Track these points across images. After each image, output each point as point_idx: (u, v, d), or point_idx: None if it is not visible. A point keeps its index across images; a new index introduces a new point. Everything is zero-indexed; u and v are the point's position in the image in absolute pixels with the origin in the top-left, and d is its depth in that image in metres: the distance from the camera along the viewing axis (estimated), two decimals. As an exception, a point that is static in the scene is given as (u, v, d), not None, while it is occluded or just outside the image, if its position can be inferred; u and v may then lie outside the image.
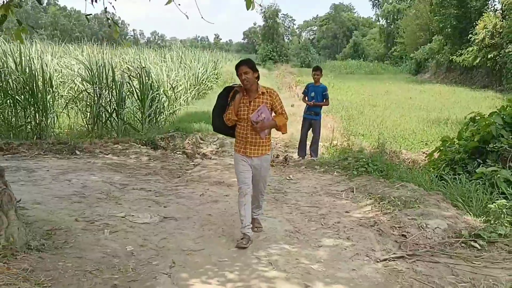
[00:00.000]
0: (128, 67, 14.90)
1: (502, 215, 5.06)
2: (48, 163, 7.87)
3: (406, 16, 60.21)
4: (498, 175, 6.42)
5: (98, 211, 5.48)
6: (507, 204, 5.22)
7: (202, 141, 11.01)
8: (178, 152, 9.67)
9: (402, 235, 4.81)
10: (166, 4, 4.73)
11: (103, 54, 17.65)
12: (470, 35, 34.01)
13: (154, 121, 12.57)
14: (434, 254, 4.42)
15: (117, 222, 5.16)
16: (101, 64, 11.78)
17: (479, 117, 7.94)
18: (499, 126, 7.22)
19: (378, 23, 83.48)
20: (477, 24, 33.06)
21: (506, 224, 4.94)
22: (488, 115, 7.80)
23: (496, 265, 4.27)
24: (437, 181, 6.92)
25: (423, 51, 47.95)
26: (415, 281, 3.93)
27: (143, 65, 13.89)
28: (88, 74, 12.12)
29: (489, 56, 31.76)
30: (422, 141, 12.34)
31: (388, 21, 74.14)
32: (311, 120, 9.33)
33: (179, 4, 4.78)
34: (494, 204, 5.24)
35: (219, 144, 10.71)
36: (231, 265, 4.17)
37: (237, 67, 4.60)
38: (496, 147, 7.05)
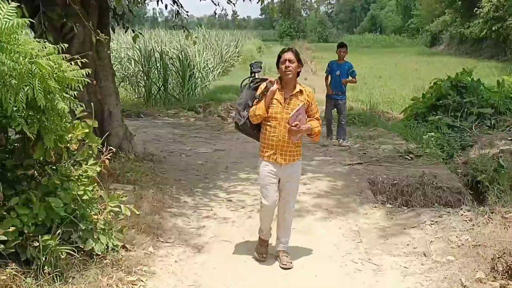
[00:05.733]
0: (168, 51, 17.91)
1: (429, 142, 8.02)
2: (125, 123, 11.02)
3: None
4: (442, 121, 9.34)
5: (172, 147, 8.60)
6: (434, 135, 8.18)
7: (231, 108, 14.03)
8: (214, 116, 12.73)
9: (364, 153, 7.82)
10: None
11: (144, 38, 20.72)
12: (476, 8, 36.01)
13: (192, 93, 15.63)
14: (380, 162, 7.43)
15: (187, 152, 8.29)
16: (151, 49, 14.87)
17: (437, 82, 10.79)
18: (448, 87, 10.08)
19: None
20: (483, -2, 35.10)
21: (431, 147, 7.91)
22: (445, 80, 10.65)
23: (418, 167, 7.25)
24: (403, 127, 9.87)
25: (437, 23, 49.64)
26: (365, 173, 6.94)
27: (181, 49, 16.91)
28: (139, 56, 15.27)
29: (493, 28, 33.87)
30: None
31: (405, -7, 75.06)
32: (338, 100, 8.76)
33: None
34: (426, 135, 8.20)
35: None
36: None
37: (282, 53, 4.03)
38: (445, 103, 9.95)
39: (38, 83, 2.94)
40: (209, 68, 19.71)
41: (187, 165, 7.36)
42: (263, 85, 4.02)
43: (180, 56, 15.34)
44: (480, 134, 8.86)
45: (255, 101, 4.00)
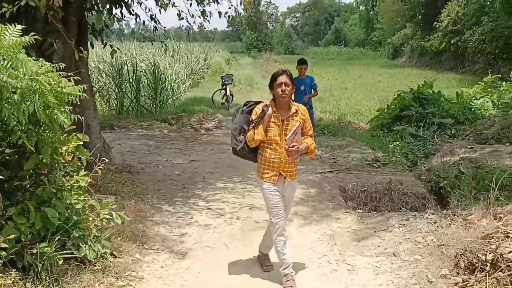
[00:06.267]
0: (138, 63, 18.02)
1: (395, 151, 8.48)
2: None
3: (384, 2, 63.50)
4: (406, 131, 9.85)
5: (149, 159, 8.76)
6: (399, 144, 8.65)
7: (204, 119, 14.26)
8: (187, 127, 12.93)
9: (334, 161, 8.20)
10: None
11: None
12: (435, 22, 37.53)
13: (164, 105, 15.78)
14: (349, 170, 7.81)
15: (163, 163, 8.47)
16: (122, 62, 14.99)
17: (400, 93, 11.34)
18: (410, 99, 10.63)
19: (358, 9, 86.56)
20: (442, 12, 36.64)
21: (396, 155, 8.36)
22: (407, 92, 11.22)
23: (385, 174, 7.66)
24: (369, 137, 10.33)
25: (399, 36, 51.29)
26: (336, 181, 7.30)
27: (153, 61, 17.08)
28: (109, 69, 15.35)
29: (452, 41, 35.37)
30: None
31: (368, 7, 77.13)
32: None
33: None
34: (392, 145, 8.66)
35: (217, 121, 13.97)
36: (236, 176, 7.53)
37: (277, 76, 3.99)
38: (408, 113, 10.48)
39: (38, 99, 3.14)
40: (180, 80, 19.91)
41: (165, 176, 7.56)
42: (258, 109, 4.02)
43: (152, 69, 15.50)
44: (441, 143, 9.40)
45: (252, 125, 3.99)
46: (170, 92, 16.84)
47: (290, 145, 3.91)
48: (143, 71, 16.07)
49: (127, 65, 15.23)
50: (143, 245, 4.80)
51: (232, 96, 17.10)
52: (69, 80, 3.60)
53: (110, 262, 4.12)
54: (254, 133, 3.97)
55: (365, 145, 9.45)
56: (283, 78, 3.97)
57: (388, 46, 56.98)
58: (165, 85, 15.99)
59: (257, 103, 4.14)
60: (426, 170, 8.23)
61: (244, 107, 4.18)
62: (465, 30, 33.73)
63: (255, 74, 30.07)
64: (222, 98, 16.79)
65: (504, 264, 3.61)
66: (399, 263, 4.45)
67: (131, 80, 14.63)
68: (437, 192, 7.36)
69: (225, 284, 4.17)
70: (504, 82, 12.72)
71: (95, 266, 3.95)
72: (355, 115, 15.70)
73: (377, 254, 4.73)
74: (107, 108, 14.94)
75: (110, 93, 15.26)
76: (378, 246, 4.92)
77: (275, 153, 4.00)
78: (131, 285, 3.96)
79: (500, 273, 3.58)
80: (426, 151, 9.14)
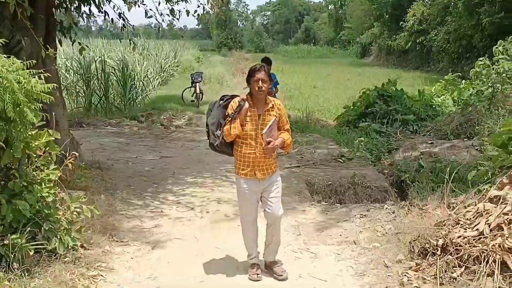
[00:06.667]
0: (107, 60, 17.92)
1: (360, 146, 8.79)
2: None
3: (352, 1, 64.47)
4: (370, 127, 10.20)
5: (118, 155, 8.82)
6: (364, 140, 8.97)
7: (173, 117, 14.32)
8: (157, 125, 12.98)
9: (301, 157, 8.45)
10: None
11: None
12: (401, 22, 38.43)
13: (133, 103, 15.76)
14: (316, 165, 8.08)
15: (133, 159, 8.55)
16: (90, 60, 14.90)
17: (366, 91, 11.70)
18: (375, 96, 10.99)
19: (327, 8, 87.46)
20: (408, 12, 37.56)
21: (361, 150, 8.67)
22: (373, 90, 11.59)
23: (349, 169, 7.95)
24: (336, 133, 10.64)
25: (367, 35, 52.24)
26: (302, 176, 7.55)
27: (121, 59, 17.03)
28: (78, 67, 15.24)
29: (418, 41, 36.33)
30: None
31: (336, 6, 78.09)
32: None
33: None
34: (356, 140, 8.97)
35: (187, 118, 14.05)
36: (205, 172, 7.68)
37: (254, 72, 3.94)
38: (372, 110, 10.84)
39: (8, 96, 3.23)
40: (149, 78, 19.86)
41: (135, 172, 7.65)
42: (234, 103, 3.98)
43: (121, 66, 15.47)
44: (404, 138, 9.77)
45: (228, 119, 3.96)
46: (139, 90, 16.82)
47: (267, 139, 3.87)
48: (112, 68, 15.99)
49: (95, 62, 15.15)
50: (113, 238, 4.91)
51: (202, 94, 17.18)
52: (40, 78, 3.71)
53: (81, 254, 4.23)
54: (230, 127, 3.93)
55: (332, 141, 9.74)
56: (260, 75, 3.91)
57: (357, 45, 57.97)
58: (134, 82, 15.97)
59: (233, 97, 4.12)
60: (389, 165, 8.56)
61: (221, 101, 4.13)
62: (430, 30, 34.67)
63: (225, 72, 30.17)
64: (192, 96, 16.85)
65: (453, 248, 3.90)
66: (358, 251, 4.71)
67: (99, 78, 14.56)
68: (399, 186, 7.69)
69: (194, 272, 4.33)
70: (463, 81, 13.24)
71: (66, 257, 4.05)
72: (323, 112, 16.02)
73: (339, 242, 4.98)
74: (76, 105, 14.83)
75: (78, 90, 15.16)
76: (340, 235, 5.16)
77: (250, 148, 3.97)
78: (102, 275, 4.08)
79: (449, 256, 3.87)
80: (389, 146, 9.48)
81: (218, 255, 4.73)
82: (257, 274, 4.26)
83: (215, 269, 4.40)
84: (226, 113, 4.01)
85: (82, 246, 4.37)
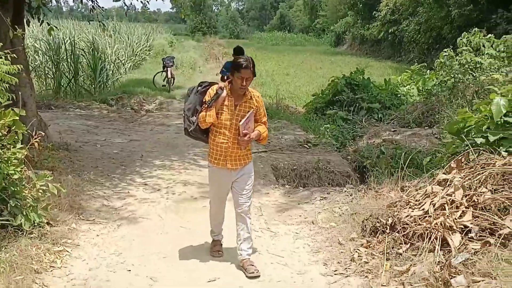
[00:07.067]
0: (77, 42, 17.68)
1: (326, 133, 9.06)
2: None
3: (327, -11, 64.66)
4: (337, 114, 10.48)
5: (87, 138, 8.87)
6: (330, 127, 9.24)
7: (144, 101, 14.33)
8: (127, 108, 12.99)
9: (268, 142, 8.65)
10: None
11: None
12: (374, 11, 38.91)
13: (103, 86, 15.66)
14: (282, 150, 8.31)
15: (102, 142, 8.62)
16: (60, 41, 14.72)
17: (334, 79, 11.98)
18: (343, 85, 11.27)
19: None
20: (381, 1, 38.05)
21: (327, 137, 8.95)
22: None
23: (315, 155, 8.21)
24: (304, 120, 10.90)
25: (341, 24, 52.61)
26: (269, 160, 7.77)
27: (92, 41, 16.84)
28: (47, 48, 15.02)
29: (390, 30, 36.87)
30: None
31: (311, -6, 78.10)
32: None
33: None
34: (323, 127, 9.24)
35: (158, 103, 14.09)
36: (173, 155, 7.83)
37: (241, 69, 3.81)
38: (340, 98, 11.13)
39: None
40: (121, 61, 19.71)
41: (103, 154, 7.74)
42: (212, 91, 3.92)
43: (91, 48, 15.34)
44: (369, 126, 10.11)
45: (205, 106, 3.90)
46: (110, 73, 16.70)
47: (243, 131, 3.85)
48: (82, 50, 15.82)
49: (65, 44, 14.97)
50: (79, 216, 5.04)
51: (174, 79, 17.20)
52: (6, 59, 3.79)
53: (47, 230, 4.36)
54: (206, 114, 3.88)
55: (299, 128, 10.00)
56: (246, 73, 3.82)
57: (331, 34, 58.30)
58: (104, 65, 15.85)
59: (212, 84, 4.06)
60: (353, 151, 8.86)
61: (199, 87, 4.07)
62: (402, 20, 35.22)
63: (198, 57, 30.12)
64: (164, 81, 16.86)
65: (401, 226, 4.19)
66: (316, 230, 4.97)
67: (69, 60, 14.42)
68: (361, 171, 8.00)
69: (157, 249, 4.51)
70: (429, 71, 13.66)
71: (32, 233, 4.17)
72: (293, 99, 16.27)
73: (298, 222, 5.23)
74: (44, 87, 14.66)
75: (47, 72, 14.98)
76: (300, 216, 5.42)
77: (223, 138, 3.95)
78: (67, 251, 4.23)
79: (396, 234, 4.15)
80: (354, 133, 9.80)
81: (182, 234, 4.92)
82: (218, 251, 4.41)
83: (178, 246, 4.59)
84: (204, 100, 3.96)
85: (48, 223, 4.49)
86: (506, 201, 4.02)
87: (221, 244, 4.52)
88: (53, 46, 14.78)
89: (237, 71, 3.83)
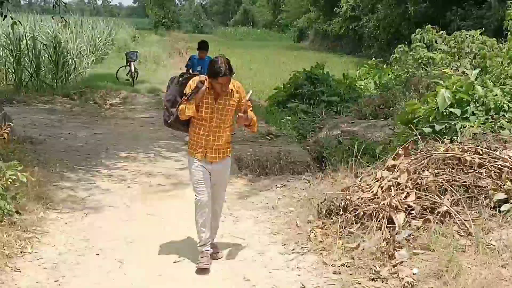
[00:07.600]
0: (37, 36, 17.43)
1: (287, 125, 9.42)
2: None
3: (289, -15, 65.15)
4: (298, 107, 10.86)
5: (51, 132, 8.92)
6: (291, 119, 9.61)
7: (108, 95, 14.33)
8: (91, 103, 12.99)
9: (232, 134, 8.93)
10: None
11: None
12: (336, 8, 39.66)
13: (66, 81, 15.55)
14: (245, 142, 8.62)
15: (66, 135, 8.70)
16: (20, 35, 14.53)
17: (296, 73, 12.36)
18: (303, 79, 11.67)
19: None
20: (343, -2, 38.83)
21: (288, 129, 9.31)
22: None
23: (276, 146, 8.55)
24: (266, 112, 11.22)
25: (304, 19, 53.23)
26: (232, 151, 8.02)
27: (53, 35, 16.62)
28: (7, 43, 14.80)
29: (351, 26, 37.70)
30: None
31: (275, -11, 78.42)
32: None
33: None
34: (284, 120, 9.59)
35: (122, 97, 14.11)
36: (138, 147, 8.00)
37: (218, 76, 3.79)
38: (301, 92, 11.52)
39: None
40: (83, 56, 19.52)
41: (68, 147, 7.84)
42: (193, 83, 3.91)
43: (53, 43, 15.19)
44: (328, 118, 10.54)
45: (184, 98, 3.88)
46: (72, 67, 16.58)
47: (244, 107, 3.91)
48: (43, 45, 15.64)
49: (26, 38, 14.77)
50: (47, 206, 5.19)
51: (137, 73, 17.18)
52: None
53: (16, 218, 4.52)
54: (185, 107, 3.86)
55: (261, 120, 10.26)
56: (224, 80, 3.81)
57: (294, 29, 58.92)
58: (66, 59, 15.74)
59: (193, 75, 4.07)
60: (313, 142, 9.26)
61: (180, 79, 4.08)
62: (362, 16, 36.07)
63: (162, 52, 29.94)
64: (127, 75, 16.83)
65: (352, 208, 4.55)
66: (276, 214, 5.30)
67: (30, 54, 14.26)
68: (320, 160, 8.38)
69: (124, 235, 4.73)
70: (385, 66, 14.24)
71: (2, 222, 4.32)
72: (256, 93, 16.55)
73: (259, 208, 5.55)
74: (5, 82, 14.46)
75: (7, 67, 14.76)
76: (261, 202, 5.74)
77: (203, 130, 3.95)
78: (37, 238, 4.40)
79: (348, 214, 4.51)
80: (314, 125, 10.20)
81: (148, 220, 5.15)
82: (205, 263, 4.09)
83: (145, 232, 4.82)
84: (184, 92, 3.94)
85: (17, 212, 4.64)
86: (446, 183, 4.46)
87: (209, 256, 4.18)
88: (14, 40, 14.58)
89: (215, 78, 3.82)
